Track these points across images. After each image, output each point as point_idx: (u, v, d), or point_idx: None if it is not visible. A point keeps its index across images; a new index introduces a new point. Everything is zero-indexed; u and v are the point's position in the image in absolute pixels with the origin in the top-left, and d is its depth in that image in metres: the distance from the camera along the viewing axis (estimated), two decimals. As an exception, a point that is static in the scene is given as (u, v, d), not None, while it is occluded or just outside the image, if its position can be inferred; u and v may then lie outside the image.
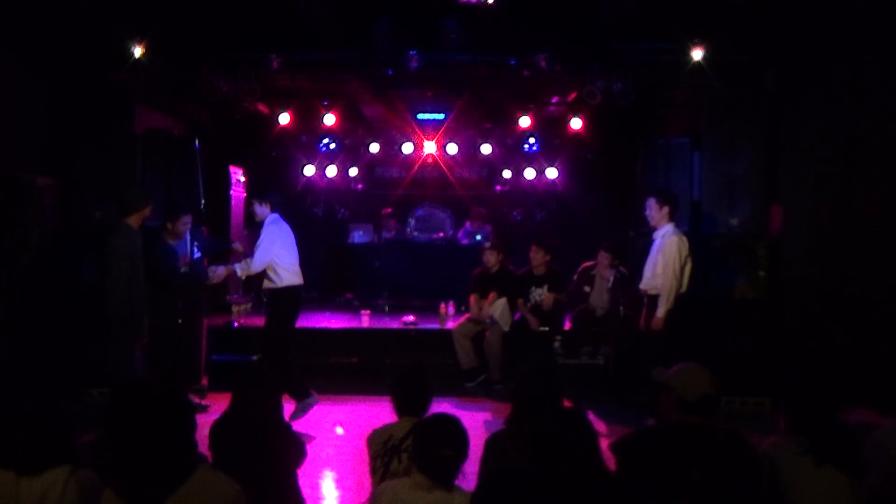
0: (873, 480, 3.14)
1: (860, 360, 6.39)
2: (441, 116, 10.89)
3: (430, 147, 11.19)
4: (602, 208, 10.90)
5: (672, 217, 6.26)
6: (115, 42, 7.07)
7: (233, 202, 9.80)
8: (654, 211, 6.26)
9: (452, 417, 2.85)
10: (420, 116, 11.03)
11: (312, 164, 11.48)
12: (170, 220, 6.58)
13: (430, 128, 11.17)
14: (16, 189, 6.56)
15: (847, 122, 6.66)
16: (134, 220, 6.00)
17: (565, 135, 10.99)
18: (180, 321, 6.71)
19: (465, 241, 10.93)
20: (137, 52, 7.07)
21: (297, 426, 5.84)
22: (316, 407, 6.84)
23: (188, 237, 6.76)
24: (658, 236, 6.26)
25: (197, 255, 6.83)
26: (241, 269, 6.57)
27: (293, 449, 3.53)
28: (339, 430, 6.34)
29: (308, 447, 3.67)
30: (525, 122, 10.24)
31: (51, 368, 6.82)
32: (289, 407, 6.23)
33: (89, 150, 7.31)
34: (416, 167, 11.80)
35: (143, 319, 5.93)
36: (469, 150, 11.50)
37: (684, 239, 6.20)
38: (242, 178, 10.08)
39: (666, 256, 6.09)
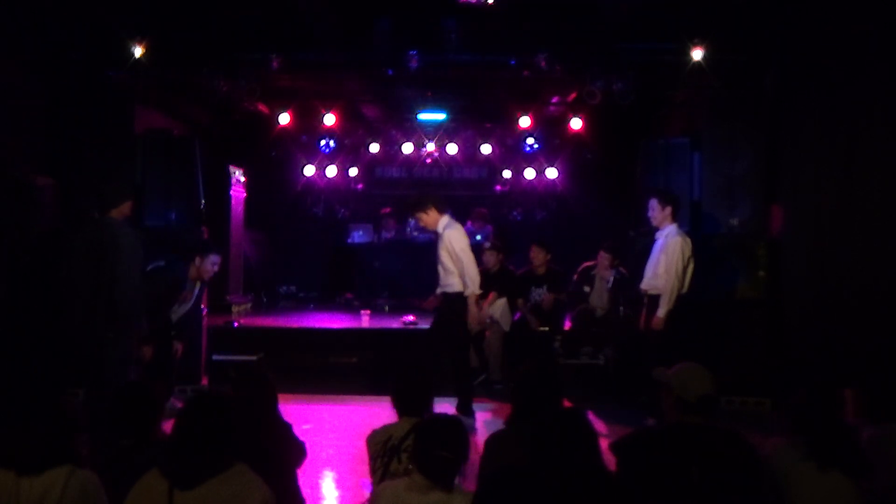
0: (874, 483, 3.11)
1: (860, 360, 6.38)
2: (443, 117, 10.84)
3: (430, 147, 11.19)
4: (602, 208, 10.90)
5: (675, 217, 6.26)
6: (115, 42, 7.07)
7: (233, 202, 9.80)
8: (657, 211, 6.25)
9: (454, 418, 2.86)
10: (421, 118, 10.98)
11: (312, 164, 11.49)
12: (199, 255, 6.37)
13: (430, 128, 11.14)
14: (16, 189, 6.56)
15: (847, 122, 6.65)
16: (115, 216, 5.69)
17: (565, 135, 11.00)
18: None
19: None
20: (137, 52, 7.07)
21: (297, 426, 5.82)
22: (316, 407, 6.86)
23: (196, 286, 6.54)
24: (661, 236, 6.25)
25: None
26: (471, 292, 6.17)
27: (293, 449, 3.53)
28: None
29: (308, 447, 3.66)
30: (525, 122, 10.24)
31: (51, 368, 6.82)
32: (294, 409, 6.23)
33: (89, 150, 7.30)
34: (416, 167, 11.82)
35: (142, 315, 5.73)
36: (469, 150, 11.50)
37: (688, 240, 6.19)
38: (242, 178, 10.08)
39: (669, 257, 6.08)
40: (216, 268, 6.50)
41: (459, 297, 6.22)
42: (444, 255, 6.23)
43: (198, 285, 6.56)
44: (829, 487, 2.91)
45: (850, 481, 2.92)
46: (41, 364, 6.78)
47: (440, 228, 6.25)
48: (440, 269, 6.33)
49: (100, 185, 6.01)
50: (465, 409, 6.19)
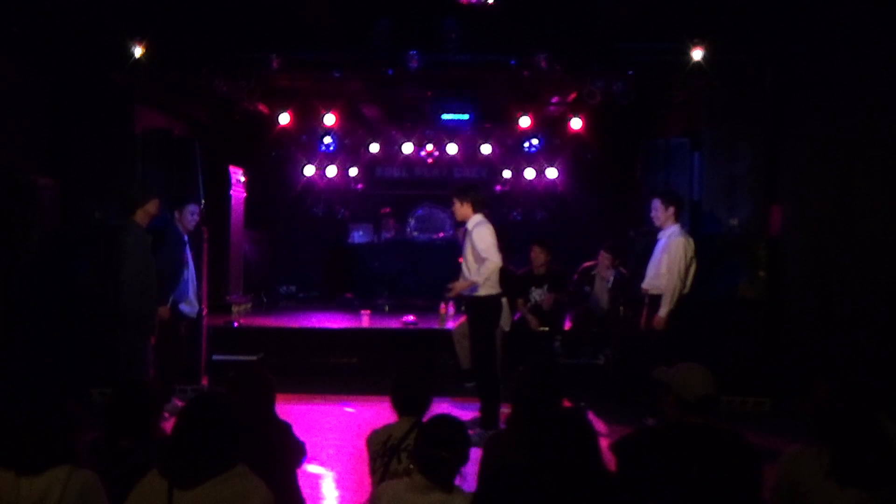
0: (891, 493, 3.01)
1: (860, 360, 6.38)
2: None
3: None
4: (602, 208, 10.91)
5: (678, 217, 6.25)
6: (115, 42, 7.08)
7: (233, 202, 9.80)
8: (660, 212, 6.24)
9: (455, 420, 2.86)
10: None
11: (312, 164, 11.49)
12: (176, 209, 6.57)
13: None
14: (16, 189, 6.56)
15: (847, 121, 6.66)
16: (140, 218, 5.96)
17: (565, 135, 11.00)
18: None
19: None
20: (137, 52, 7.07)
21: (297, 426, 5.83)
22: (316, 407, 6.86)
23: (189, 253, 6.68)
24: (664, 236, 6.24)
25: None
26: (465, 284, 5.97)
27: (293, 449, 3.52)
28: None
29: (308, 447, 3.66)
30: (525, 122, 10.24)
31: (51, 368, 6.82)
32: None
33: (89, 150, 7.32)
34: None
35: (154, 317, 5.95)
36: (469, 150, 11.51)
37: (690, 240, 6.18)
38: (242, 178, 10.08)
39: (671, 257, 6.07)
40: (196, 216, 6.66)
41: (485, 301, 6.06)
42: (468, 254, 6.10)
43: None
44: (847, 502, 2.75)
45: (870, 496, 2.74)
46: (40, 364, 6.79)
47: (469, 225, 6.10)
48: (464, 268, 6.14)
49: (124, 188, 6.17)
50: (488, 422, 5.92)
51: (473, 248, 6.02)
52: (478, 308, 6.10)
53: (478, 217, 6.09)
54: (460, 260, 6.29)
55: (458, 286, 6.07)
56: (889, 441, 2.78)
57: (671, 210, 6.22)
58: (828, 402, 3.01)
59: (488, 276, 5.94)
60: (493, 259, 5.91)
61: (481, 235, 5.97)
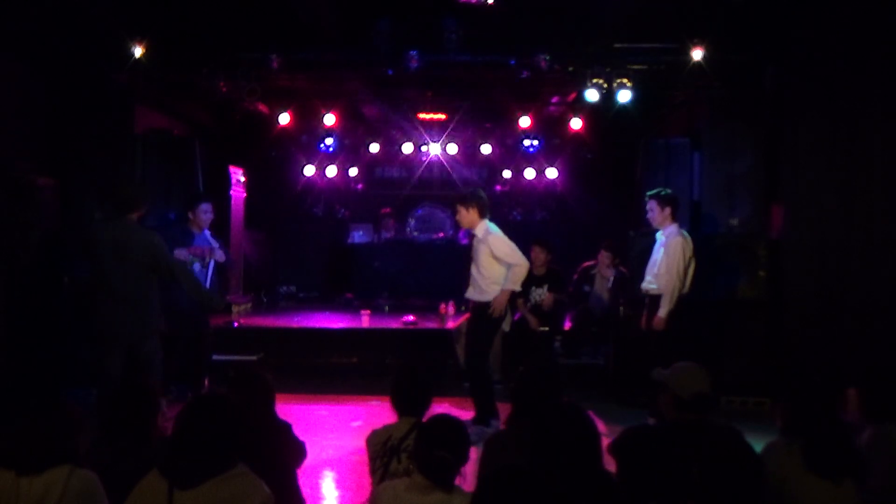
0: (871, 483, 3.08)
1: (860, 360, 6.38)
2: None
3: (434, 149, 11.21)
4: (602, 208, 10.91)
5: (675, 217, 6.25)
6: (115, 42, 7.08)
7: (233, 202, 9.80)
8: (656, 213, 6.24)
9: (455, 420, 2.86)
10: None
11: (312, 164, 11.49)
12: (189, 209, 6.60)
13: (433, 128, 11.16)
14: (16, 189, 6.57)
15: (847, 121, 6.66)
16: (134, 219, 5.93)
17: (565, 135, 11.00)
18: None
19: (465, 242, 10.93)
20: (137, 52, 7.08)
21: (297, 426, 5.83)
22: (316, 407, 6.86)
23: (214, 241, 6.70)
24: (662, 236, 6.25)
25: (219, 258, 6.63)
26: (507, 289, 5.98)
27: (293, 449, 3.53)
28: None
29: (308, 447, 3.66)
30: (525, 122, 10.24)
31: (50, 369, 6.82)
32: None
33: (89, 150, 7.33)
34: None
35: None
36: (469, 150, 11.51)
37: (689, 240, 6.18)
38: (242, 178, 10.08)
39: (670, 257, 6.08)
40: (210, 215, 6.66)
41: (482, 306, 6.05)
42: (484, 260, 6.04)
43: (203, 234, 6.67)
44: (826, 491, 2.85)
45: (849, 485, 2.86)
46: (41, 364, 6.78)
47: (479, 232, 6.08)
48: (475, 273, 6.10)
49: (125, 187, 6.12)
50: (481, 418, 5.99)
51: (493, 256, 5.98)
52: (486, 310, 6.08)
53: (485, 223, 6.08)
54: None
55: (497, 303, 5.99)
56: (849, 435, 3.00)
57: (667, 210, 6.22)
58: (802, 402, 3.13)
59: (517, 279, 5.97)
60: (521, 263, 5.95)
61: (497, 244, 5.96)
